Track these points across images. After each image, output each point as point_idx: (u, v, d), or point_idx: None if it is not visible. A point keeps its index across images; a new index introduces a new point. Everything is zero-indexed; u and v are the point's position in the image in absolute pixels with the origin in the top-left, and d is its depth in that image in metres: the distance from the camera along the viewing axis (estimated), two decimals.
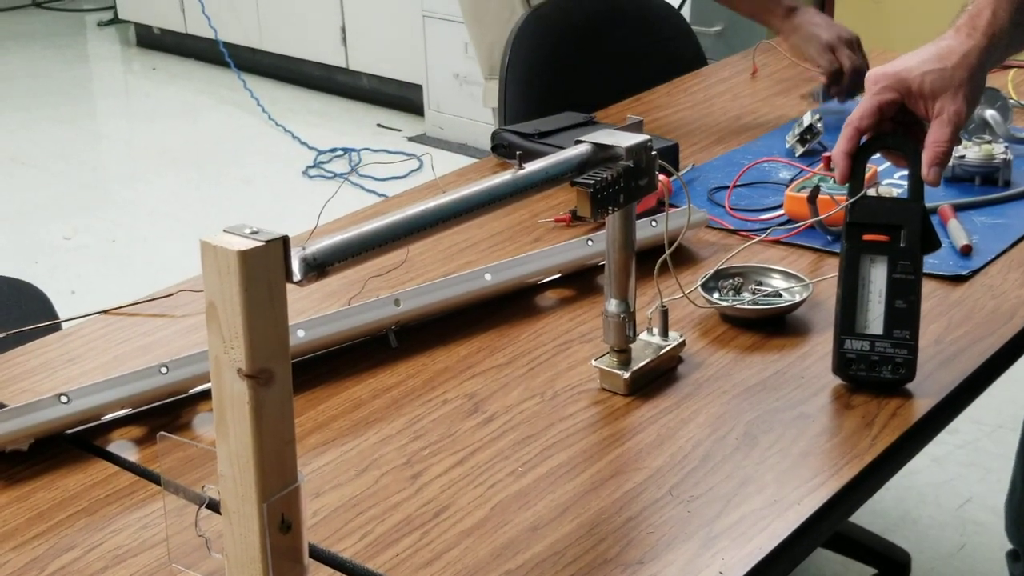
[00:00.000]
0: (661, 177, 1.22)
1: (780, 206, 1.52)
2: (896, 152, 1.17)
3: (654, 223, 1.39)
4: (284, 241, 0.78)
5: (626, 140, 1.07)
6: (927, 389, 1.14)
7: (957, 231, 1.43)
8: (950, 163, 1.25)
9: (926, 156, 1.12)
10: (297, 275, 0.81)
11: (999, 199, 1.54)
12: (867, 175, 1.37)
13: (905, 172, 1.16)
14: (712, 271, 1.31)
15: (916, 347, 1.13)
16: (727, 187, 1.59)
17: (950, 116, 1.11)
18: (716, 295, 1.30)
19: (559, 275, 1.37)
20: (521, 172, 1.01)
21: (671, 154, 1.63)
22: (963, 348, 1.21)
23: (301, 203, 3.81)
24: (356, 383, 1.19)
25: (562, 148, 1.09)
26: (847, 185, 1.14)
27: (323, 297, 1.35)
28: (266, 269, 0.77)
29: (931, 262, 1.36)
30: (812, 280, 1.30)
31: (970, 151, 1.59)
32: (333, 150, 4.25)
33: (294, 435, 0.81)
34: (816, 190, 1.37)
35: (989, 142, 1.61)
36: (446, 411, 1.14)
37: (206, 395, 1.15)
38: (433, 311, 1.29)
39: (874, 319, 1.13)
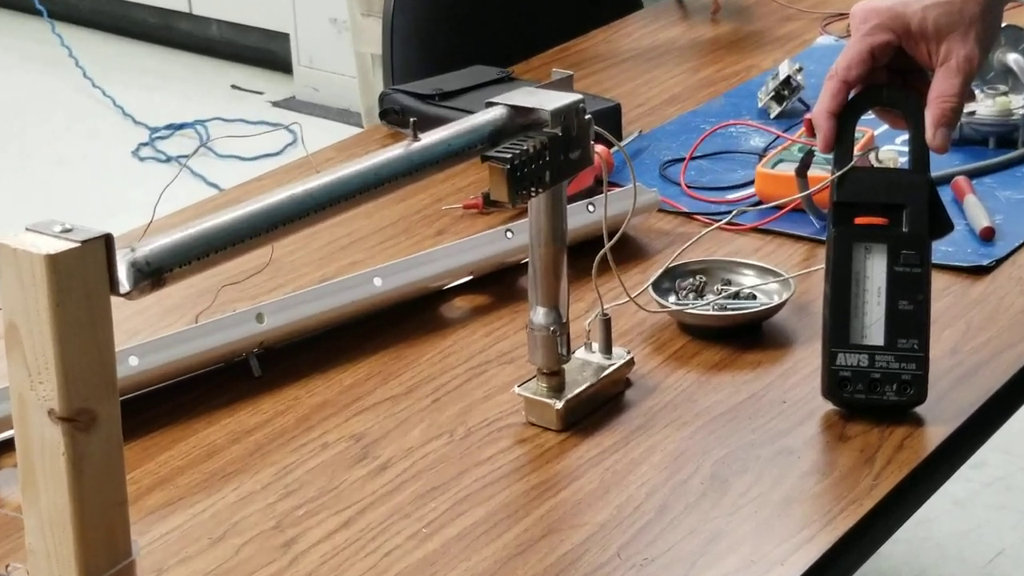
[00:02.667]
0: (598, 148, 1.23)
1: (752, 183, 1.53)
2: (893, 110, 1.18)
3: (591, 208, 1.39)
4: (107, 241, 0.77)
5: (552, 101, 1.08)
6: (942, 413, 1.16)
7: (975, 209, 1.46)
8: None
9: (931, 115, 1.13)
10: (125, 285, 0.80)
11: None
12: (861, 141, 1.38)
13: (905, 135, 1.18)
14: (665, 267, 1.32)
15: (927, 360, 1.14)
16: (683, 159, 1.60)
17: (960, 63, 1.12)
18: (672, 298, 1.31)
19: (470, 277, 1.37)
20: (417, 144, 1.01)
21: (611, 118, 1.64)
22: (987, 359, 1.23)
23: (132, 191, 3.77)
24: (208, 424, 1.18)
25: (470, 112, 1.09)
26: (832, 155, 1.16)
27: (162, 313, 1.34)
28: (84, 278, 0.76)
29: (943, 250, 1.38)
30: (794, 275, 1.32)
31: (982, 106, 1.61)
32: (173, 125, 4.21)
33: (126, 494, 0.80)
34: (807, 159, 1.38)
35: (1005, 94, 1.63)
36: (326, 458, 1.13)
37: (8, 445, 1.13)
38: (307, 328, 1.28)
39: (872, 325, 1.14)
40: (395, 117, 1.71)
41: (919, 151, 1.15)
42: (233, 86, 4.56)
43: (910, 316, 1.14)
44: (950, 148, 1.15)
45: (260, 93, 4.49)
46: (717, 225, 1.39)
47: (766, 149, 1.63)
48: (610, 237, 1.18)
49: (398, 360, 1.26)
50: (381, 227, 1.50)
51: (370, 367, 1.25)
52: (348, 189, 0.96)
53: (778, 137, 1.63)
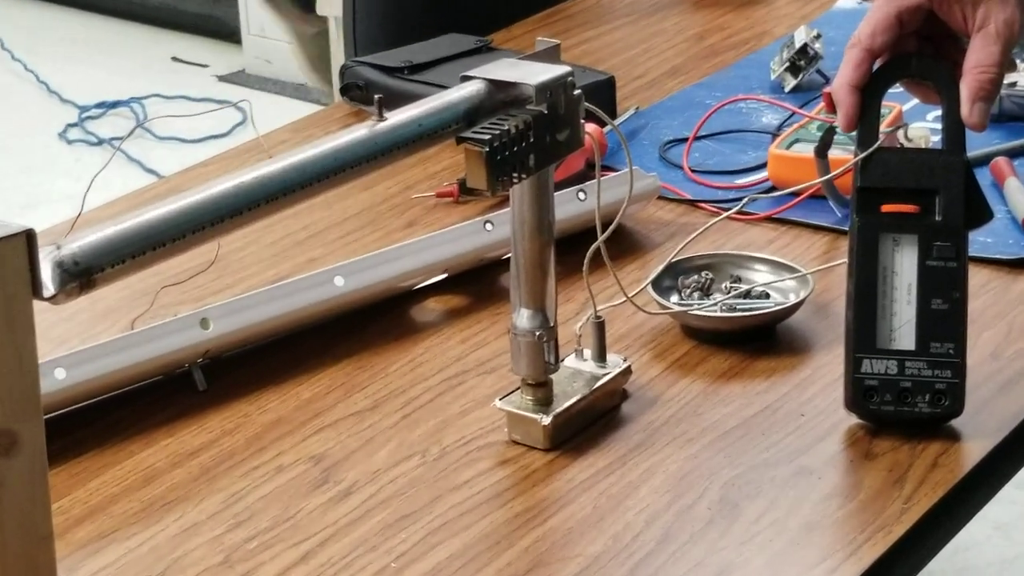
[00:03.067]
0: (590, 128, 1.23)
1: (764, 166, 1.53)
2: (924, 82, 1.18)
3: (582, 195, 1.39)
4: (28, 237, 0.77)
5: (536, 75, 1.08)
6: (982, 426, 1.16)
7: (1018, 195, 1.46)
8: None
9: (967, 87, 1.13)
10: (49, 287, 0.80)
11: None
12: (888, 118, 1.38)
13: (938, 111, 1.18)
14: (667, 263, 1.32)
15: (964, 366, 1.14)
16: (686, 140, 1.60)
17: (999, 28, 1.12)
18: (674, 298, 1.31)
19: (444, 275, 1.37)
20: (383, 124, 1.01)
21: (604, 93, 1.64)
22: None
23: (58, 179, 3.76)
24: (146, 445, 1.18)
25: (443, 87, 1.09)
26: (855, 134, 1.16)
27: (93, 319, 1.34)
28: (2, 279, 0.76)
29: (981, 240, 1.39)
30: (813, 271, 1.32)
31: None
32: (105, 103, 4.20)
33: (52, 527, 0.80)
34: (827, 138, 1.37)
35: None
36: (281, 483, 1.13)
37: None
38: (258, 335, 1.28)
39: (902, 328, 1.14)
40: (358, 93, 1.71)
41: (954, 129, 1.15)
42: (174, 58, 4.55)
43: (945, 316, 1.14)
44: (989, 125, 1.15)
45: (204, 66, 4.48)
46: (726, 215, 1.39)
47: (780, 127, 1.63)
48: (604, 228, 1.18)
49: (363, 371, 1.26)
50: (343, 219, 1.50)
51: (331, 379, 1.25)
52: (304, 176, 0.96)
53: (794, 114, 1.64)
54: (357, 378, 1.25)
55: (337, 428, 1.19)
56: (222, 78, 4.39)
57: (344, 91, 1.73)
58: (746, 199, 1.41)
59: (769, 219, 1.47)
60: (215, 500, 1.12)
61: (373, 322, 1.33)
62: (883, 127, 1.18)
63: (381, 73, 1.70)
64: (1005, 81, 1.53)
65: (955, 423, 1.16)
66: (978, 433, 1.15)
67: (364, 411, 1.21)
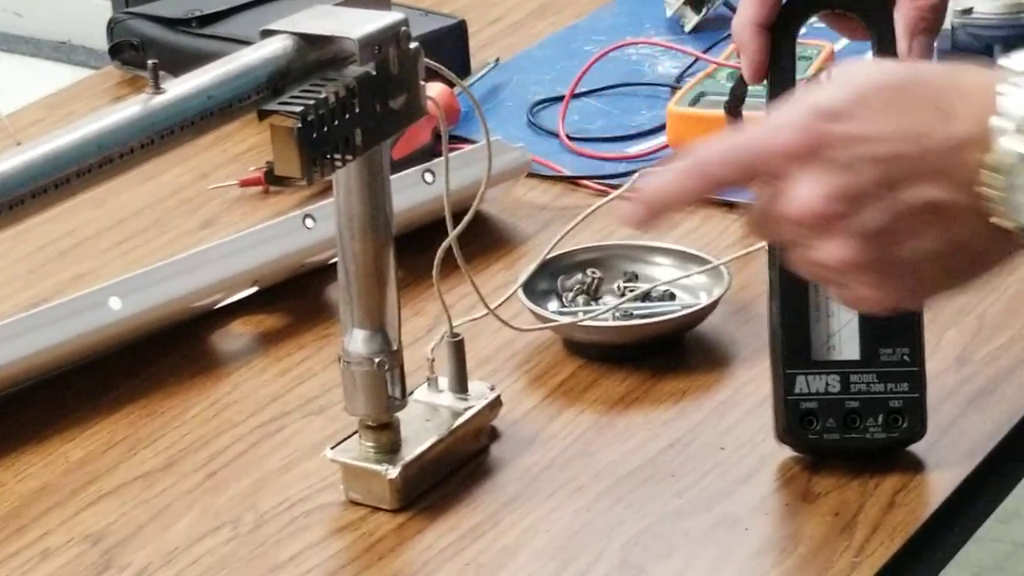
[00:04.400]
0: (434, 90, 1.23)
1: (662, 128, 1.54)
2: (847, 14, 1.19)
3: (429, 177, 1.39)
4: None
5: (359, 24, 1.07)
6: (949, 451, 1.17)
7: None
8: (944, 26, 1.26)
9: (903, 18, 1.13)
10: None
11: None
12: (815, 61, 1.39)
13: (869, 49, 1.19)
14: (542, 259, 1.32)
15: (923, 376, 1.15)
16: (562, 98, 1.61)
17: None
18: (553, 305, 1.31)
19: (254, 289, 1.37)
20: (161, 98, 1.00)
21: (453, 43, 1.64)
22: (1010, 368, 1.25)
23: None
24: None
25: (242, 44, 1.08)
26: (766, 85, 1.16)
27: None
28: None
29: None
30: (728, 259, 1.33)
31: (982, 2, 1.63)
32: None
33: None
34: (739, 90, 1.38)
35: None
36: (50, 572, 1.12)
37: None
38: (10, 378, 1.27)
39: (842, 331, 1.15)
40: (132, 55, 1.69)
41: None
42: None
43: (895, 314, 1.15)
44: (937, 62, 1.15)
45: None
46: (615, 194, 1.39)
47: (681, 78, 1.64)
48: (458, 219, 1.18)
49: (151, 419, 1.26)
50: (118, 220, 1.49)
51: (109, 432, 1.25)
52: (62, 169, 0.95)
53: (697, 60, 1.64)
54: (144, 429, 1.25)
55: (120, 496, 1.18)
56: None
57: (114, 51, 1.71)
58: (639, 173, 1.42)
59: None
60: None
61: (162, 354, 1.32)
62: (809, 72, 1.18)
63: (161, 27, 1.69)
64: (956, 7, 1.54)
65: (915, 449, 1.17)
66: (946, 460, 1.17)
67: (154, 472, 1.20)
